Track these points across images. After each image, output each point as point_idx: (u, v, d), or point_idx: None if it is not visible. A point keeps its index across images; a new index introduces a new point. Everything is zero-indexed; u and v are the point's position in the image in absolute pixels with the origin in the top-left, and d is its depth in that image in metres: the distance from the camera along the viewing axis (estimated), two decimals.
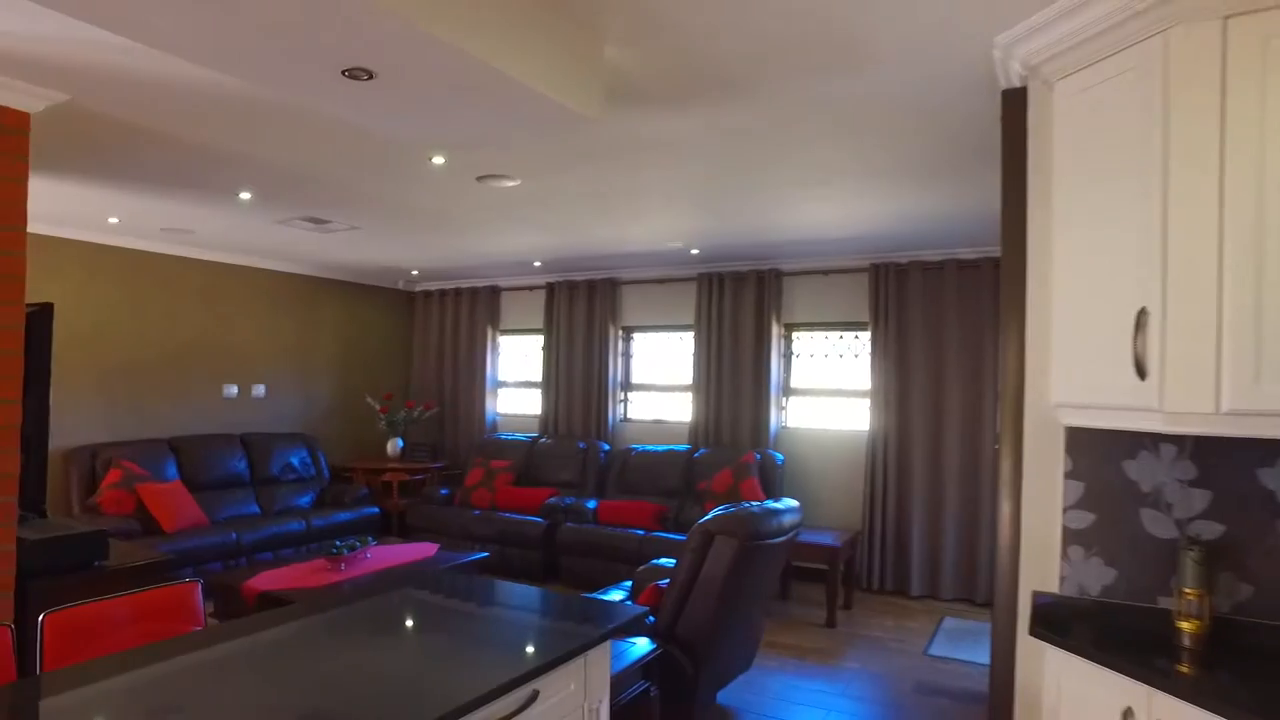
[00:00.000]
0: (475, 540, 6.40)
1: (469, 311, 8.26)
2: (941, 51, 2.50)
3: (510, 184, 4.24)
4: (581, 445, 7.00)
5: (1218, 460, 2.14)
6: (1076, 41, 2.16)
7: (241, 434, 6.79)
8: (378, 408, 7.81)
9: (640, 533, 5.84)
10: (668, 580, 3.49)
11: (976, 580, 5.87)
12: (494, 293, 8.19)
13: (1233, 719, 1.66)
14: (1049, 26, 2.21)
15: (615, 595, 3.72)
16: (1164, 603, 2.18)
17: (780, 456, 6.34)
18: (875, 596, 6.03)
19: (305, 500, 6.78)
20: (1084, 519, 2.29)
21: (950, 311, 6.02)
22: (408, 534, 6.90)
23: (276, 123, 3.27)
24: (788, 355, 6.87)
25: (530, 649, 2.00)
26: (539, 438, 7.33)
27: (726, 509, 3.37)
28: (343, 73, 1.98)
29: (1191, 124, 1.89)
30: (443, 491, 7.06)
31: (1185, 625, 2.06)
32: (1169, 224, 1.92)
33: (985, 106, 2.96)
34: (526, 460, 7.13)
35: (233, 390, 7.00)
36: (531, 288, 8.01)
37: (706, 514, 5.98)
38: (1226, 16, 1.86)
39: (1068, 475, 2.32)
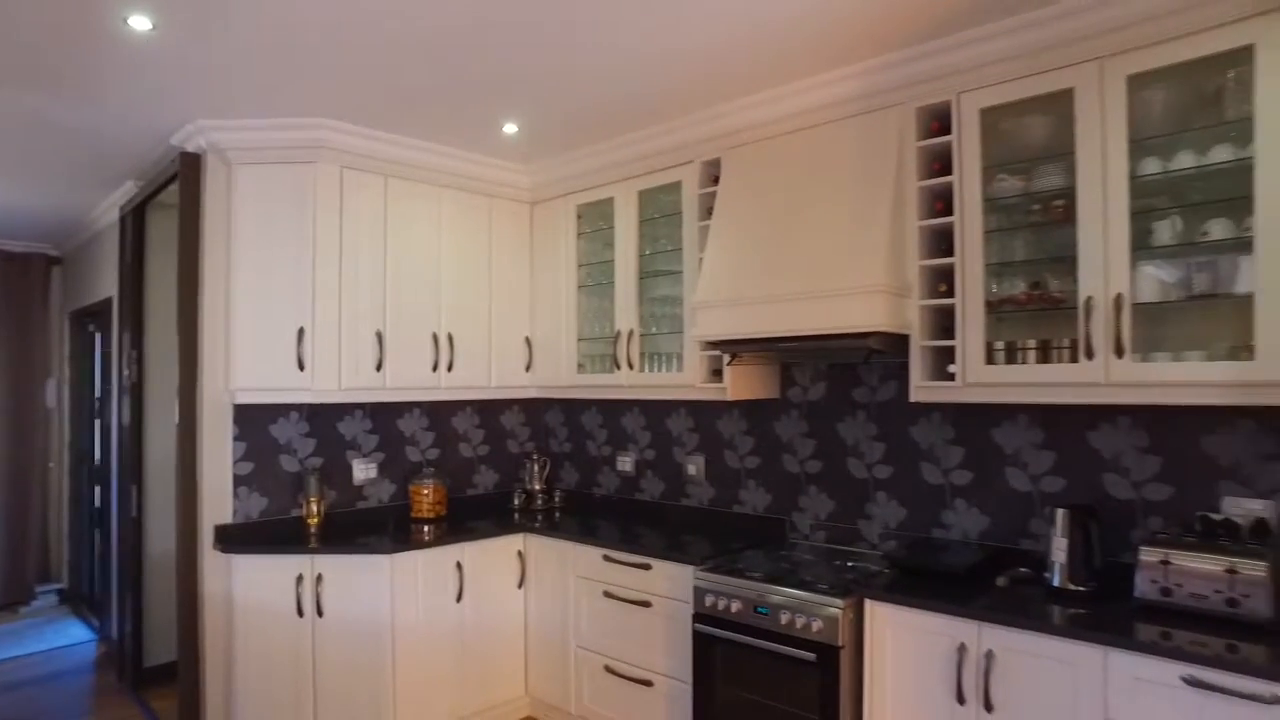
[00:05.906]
0: None
1: None
2: (147, 110, 3.06)
3: None
4: None
5: (321, 420, 3.54)
6: (257, 147, 3.22)
7: None
8: None
9: None
10: None
11: None
12: None
13: (341, 553, 3.08)
14: (238, 131, 3.19)
15: None
16: (294, 512, 3.45)
17: None
18: None
19: None
20: (247, 467, 3.35)
21: None
22: None
23: None
24: None
25: None
26: None
27: None
28: None
29: (326, 221, 3.23)
30: None
31: (312, 520, 3.39)
32: (315, 279, 3.21)
33: (142, 145, 3.56)
34: None
35: None
36: None
37: None
38: (343, 167, 3.27)
39: (235, 438, 3.33)
